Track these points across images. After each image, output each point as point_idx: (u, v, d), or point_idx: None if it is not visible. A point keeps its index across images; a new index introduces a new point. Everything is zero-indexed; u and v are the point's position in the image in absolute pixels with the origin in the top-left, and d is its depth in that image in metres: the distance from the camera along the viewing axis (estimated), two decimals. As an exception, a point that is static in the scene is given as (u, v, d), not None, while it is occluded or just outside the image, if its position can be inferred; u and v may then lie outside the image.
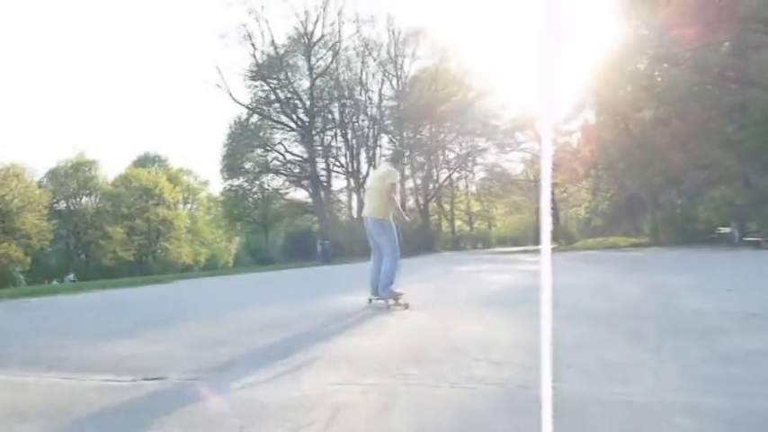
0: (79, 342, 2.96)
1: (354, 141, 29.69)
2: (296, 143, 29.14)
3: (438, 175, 35.55)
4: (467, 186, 43.57)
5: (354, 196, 29.72)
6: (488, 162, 38.41)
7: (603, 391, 1.70)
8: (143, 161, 38.75)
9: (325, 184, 28.87)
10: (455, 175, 40.36)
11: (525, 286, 4.95)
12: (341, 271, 11.36)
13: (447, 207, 40.25)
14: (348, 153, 29.70)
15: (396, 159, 5.88)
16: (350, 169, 29.60)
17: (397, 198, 4.46)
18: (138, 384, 1.98)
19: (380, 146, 31.13)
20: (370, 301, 4.20)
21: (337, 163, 30.18)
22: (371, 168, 27.29)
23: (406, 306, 3.90)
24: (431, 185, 32.92)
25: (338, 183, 30.47)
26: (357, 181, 28.84)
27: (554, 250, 17.85)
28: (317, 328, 3.14)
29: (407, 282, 6.48)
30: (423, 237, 26.50)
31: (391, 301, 3.99)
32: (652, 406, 1.55)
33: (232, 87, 34.84)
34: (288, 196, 30.79)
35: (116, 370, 2.19)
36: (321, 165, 29.35)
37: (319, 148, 28.81)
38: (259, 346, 2.64)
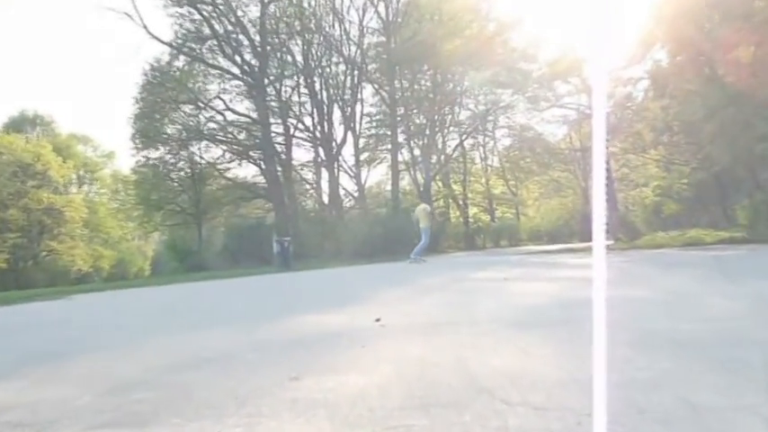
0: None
1: (325, 94, 29.67)
2: (240, 97, 29.11)
3: (444, 143, 35.84)
4: (485, 158, 44.13)
5: (325, 174, 29.84)
6: (516, 123, 38.79)
7: (694, 446, 1.71)
8: (17, 124, 38.37)
9: (283, 155, 28.87)
10: (469, 142, 40.73)
11: (572, 300, 4.99)
12: (306, 279, 11.45)
13: (457, 189, 40.55)
14: (316, 111, 29.72)
15: (426, 202, 12.90)
16: (318, 134, 29.61)
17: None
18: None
19: (362, 100, 31.24)
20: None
21: (300, 126, 30.19)
22: (350, 135, 27.67)
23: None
24: (434, 158, 33.09)
25: (302, 154, 30.57)
26: (329, 152, 28.90)
27: (611, 249, 18.03)
28: (277, 360, 3.12)
29: (407, 294, 6.51)
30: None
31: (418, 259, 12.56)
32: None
33: (148, 17, 34.60)
34: (230, 174, 30.86)
35: (-15, 427, 2.17)
36: (277, 128, 29.33)
37: (274, 104, 28.77)
38: (193, 388, 2.62)
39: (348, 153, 44.31)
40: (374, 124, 32.96)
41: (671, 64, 19.76)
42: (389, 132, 30.89)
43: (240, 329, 4.54)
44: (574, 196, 45.04)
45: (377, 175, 63.60)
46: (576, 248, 20.96)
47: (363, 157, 33.02)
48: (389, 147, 31.53)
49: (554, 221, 45.16)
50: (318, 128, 29.75)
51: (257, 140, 28.16)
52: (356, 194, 32.12)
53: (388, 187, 39.18)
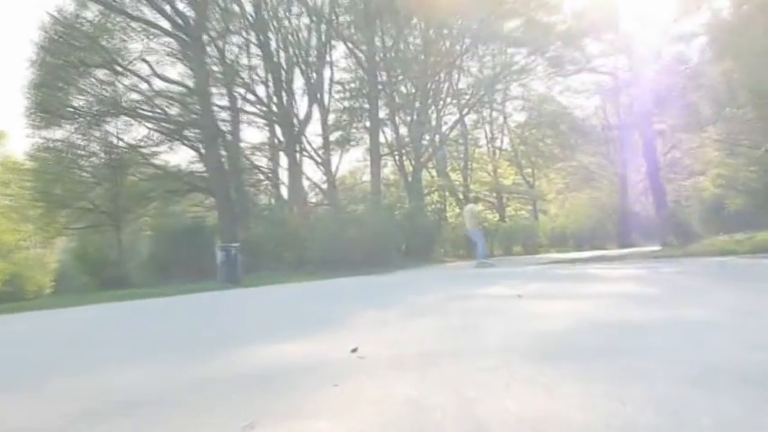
0: None
1: (283, 56, 29.56)
2: (172, 59, 28.87)
3: (440, 120, 35.97)
4: (492, 139, 44.48)
5: (284, 160, 29.80)
6: (533, 93, 39.10)
7: None
8: None
9: (228, 136, 28.76)
10: (471, 118, 41.06)
11: (608, 323, 5.01)
12: (261, 297, 11.47)
13: (456, 178, 40.76)
14: (271, 78, 29.61)
15: (475, 200, 19.08)
16: (275, 108, 29.51)
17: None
18: None
19: (332, 64, 31.22)
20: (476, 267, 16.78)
21: (251, 97, 30.13)
22: (316, 109, 27.74)
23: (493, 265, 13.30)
24: (425, 137, 33.21)
25: (253, 134, 30.64)
26: (289, 132, 28.81)
27: (658, 256, 18.22)
28: (224, 403, 3.10)
29: (393, 316, 6.52)
30: (408, 233, 26.95)
31: (486, 264, 17.04)
32: None
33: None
34: (158, 160, 30.66)
35: None
36: (221, 100, 29.22)
37: (216, 68, 28.61)
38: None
39: (314, 133, 44.41)
40: (348, 95, 33.04)
41: (735, 15, 19.82)
42: (368, 105, 30.93)
43: (175, 364, 4.50)
44: (609, 188, 45.51)
45: (352, 162, 63.71)
46: (611, 256, 21.16)
47: (334, 137, 33.09)
48: (368, 124, 31.58)
49: (583, 221, 45.62)
50: (275, 100, 29.70)
51: (194, 116, 28.03)
52: (325, 187, 32.14)
53: (367, 177, 39.32)
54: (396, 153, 33.71)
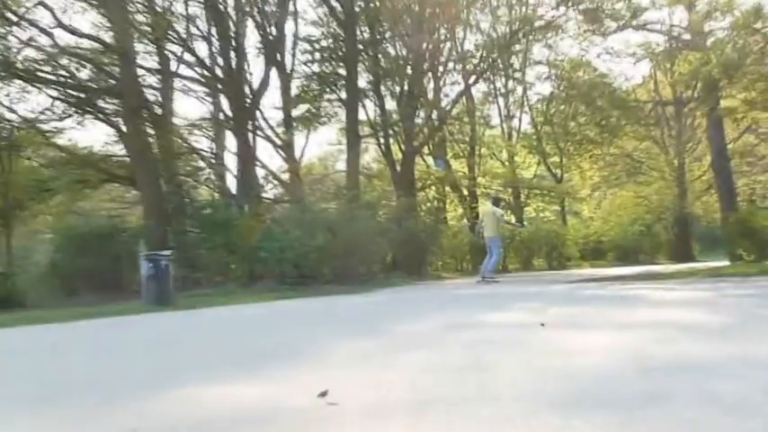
0: None
1: (231, 2, 29.47)
2: (82, 4, 28.61)
3: (439, 90, 36.04)
4: (508, 117, 44.45)
5: (232, 141, 29.73)
6: (562, 57, 39.15)
7: None
8: None
9: (158, 108, 28.64)
10: (480, 89, 41.09)
11: (659, 362, 5.01)
12: (201, 323, 11.44)
13: (459, 168, 40.79)
14: (215, 32, 29.51)
15: (496, 202, 23.27)
16: (220, 73, 29.44)
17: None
18: None
19: (297, 14, 31.22)
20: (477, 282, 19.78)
21: (188, 57, 29.99)
22: (275, 74, 27.66)
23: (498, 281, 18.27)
24: (419, 114, 33.24)
25: (192, 107, 30.64)
26: (239, 104, 28.72)
27: (723, 273, 18.29)
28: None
29: (376, 348, 6.53)
30: (396, 240, 27.03)
31: (490, 280, 19.97)
32: None
33: None
34: (62, 139, 30.44)
35: None
36: (148, 61, 29.09)
37: (142, 18, 28.47)
38: None
39: (272, 106, 44.31)
40: (317, 56, 32.91)
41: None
42: (344, 71, 30.92)
43: (84, 412, 4.46)
44: (661, 184, 45.73)
45: (322, 146, 63.39)
46: (663, 273, 21.25)
47: (298, 112, 33.02)
48: (344, 96, 31.57)
49: (626, 226, 45.86)
50: (220, 61, 29.61)
51: (112, 82, 27.87)
52: (286, 177, 32.10)
53: (342, 165, 39.28)
54: (380, 134, 33.68)
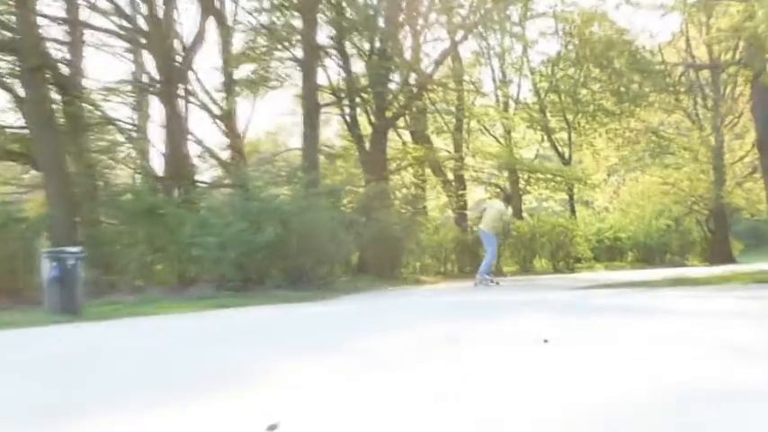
0: None
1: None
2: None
3: (418, 48, 35.96)
4: (504, 82, 44.50)
5: (158, 108, 29.62)
6: (571, 8, 39.23)
7: None
8: None
9: (63, 66, 28.49)
10: (470, 47, 41.04)
11: (696, 390, 5.01)
12: (114, 337, 11.39)
13: (443, 146, 40.80)
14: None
15: (507, 198, 26.55)
16: (143, 23, 29.33)
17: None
18: None
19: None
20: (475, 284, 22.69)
21: (103, 4, 29.85)
22: (212, 25, 27.63)
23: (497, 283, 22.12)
24: (393, 78, 33.28)
25: (107, 67, 30.45)
26: (166, 63, 28.62)
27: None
28: None
29: (340, 369, 6.54)
30: (364, 237, 27.04)
31: (484, 283, 22.46)
32: None
33: None
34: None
35: None
36: (50, 7, 29.00)
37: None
38: None
39: (209, 66, 44.15)
40: (266, 3, 32.81)
41: None
42: (299, 22, 30.88)
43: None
44: (693, 166, 45.85)
45: (272, 117, 63.44)
46: (696, 278, 21.32)
47: (242, 74, 32.96)
48: (299, 55, 31.53)
49: (649, 219, 46.02)
50: (143, 9, 29.47)
51: (6, 34, 27.69)
52: (226, 156, 32.03)
53: (296, 142, 39.19)
54: (345, 103, 33.69)
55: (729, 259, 42.89)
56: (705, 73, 44.56)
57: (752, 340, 7.41)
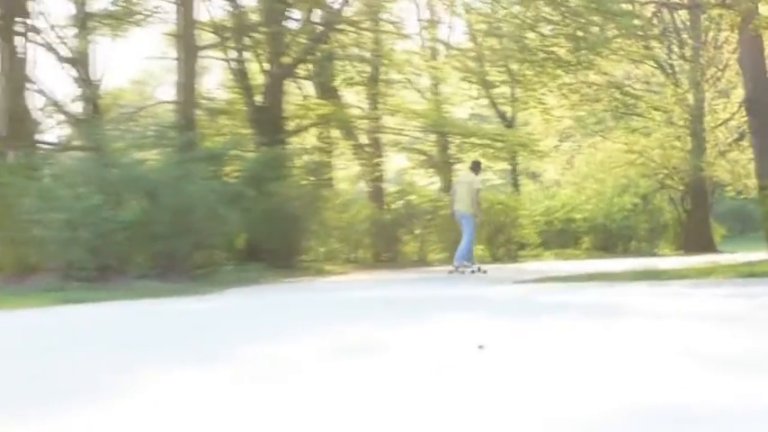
0: None
1: None
2: None
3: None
4: (430, 22, 44.65)
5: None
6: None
7: None
8: None
9: None
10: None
11: (660, 408, 5.09)
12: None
13: (357, 99, 40.82)
14: None
15: (475, 169, 27.52)
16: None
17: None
18: None
19: None
20: (450, 272, 25.58)
21: None
22: None
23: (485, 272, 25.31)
24: (293, 14, 33.37)
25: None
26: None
27: (759, 273, 18.78)
28: None
29: (218, 384, 6.57)
30: (254, 215, 27.01)
31: (462, 270, 25.13)
32: None
33: None
34: None
35: None
36: None
37: None
38: None
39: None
40: None
41: None
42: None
43: None
44: (666, 130, 46.20)
45: (137, 61, 63.25)
46: (667, 272, 21.54)
47: (98, 7, 32.72)
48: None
49: (611, 197, 46.31)
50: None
51: None
52: (78, 110, 31.78)
53: (167, 94, 38.95)
54: (231, 45, 33.58)
55: (709, 247, 43.32)
56: (683, 14, 44.92)
57: (737, 351, 7.47)
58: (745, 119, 36.72)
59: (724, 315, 10.48)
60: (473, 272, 23.52)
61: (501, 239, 40.14)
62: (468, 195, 23.85)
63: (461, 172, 26.07)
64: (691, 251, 40.51)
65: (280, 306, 15.03)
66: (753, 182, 38.32)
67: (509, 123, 45.16)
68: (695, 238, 44.50)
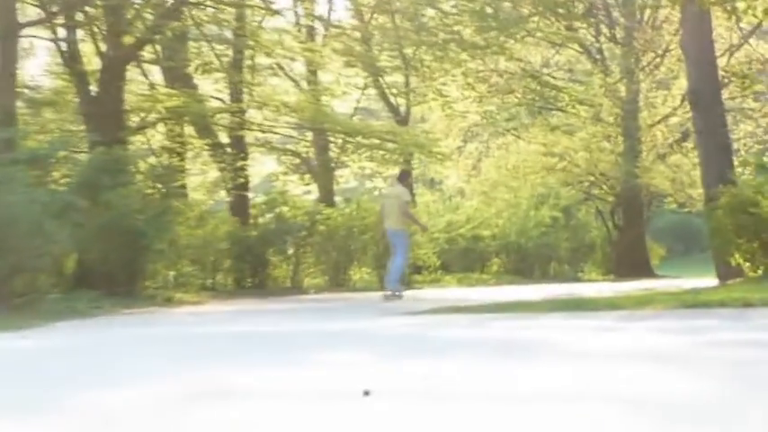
0: None
1: None
2: None
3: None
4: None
5: None
6: None
7: None
8: None
9: None
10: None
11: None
12: None
13: (217, 89, 40.89)
14: None
15: (403, 179, 29.83)
16: None
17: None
18: None
19: None
20: (385, 297, 27.53)
21: None
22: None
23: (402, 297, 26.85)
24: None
25: None
26: None
27: (703, 303, 19.06)
28: None
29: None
30: (87, 229, 26.88)
31: (399, 293, 27.01)
32: None
33: None
34: None
35: None
36: None
37: None
38: None
39: None
40: None
41: None
42: None
43: None
44: (593, 128, 46.57)
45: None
46: (592, 301, 21.74)
47: None
48: None
49: (526, 211, 46.64)
50: None
51: None
52: None
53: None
54: (60, 21, 33.45)
55: (645, 271, 43.72)
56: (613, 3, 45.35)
57: (682, 399, 7.46)
58: (689, 115, 37.06)
59: (664, 354, 10.56)
60: (399, 296, 24.60)
61: (383, 260, 40.22)
62: (398, 210, 24.59)
63: (386, 184, 26.44)
64: (623, 276, 40.94)
65: (117, 343, 14.98)
66: (698, 192, 38.66)
67: (403, 120, 45.24)
68: (628, 259, 44.90)
